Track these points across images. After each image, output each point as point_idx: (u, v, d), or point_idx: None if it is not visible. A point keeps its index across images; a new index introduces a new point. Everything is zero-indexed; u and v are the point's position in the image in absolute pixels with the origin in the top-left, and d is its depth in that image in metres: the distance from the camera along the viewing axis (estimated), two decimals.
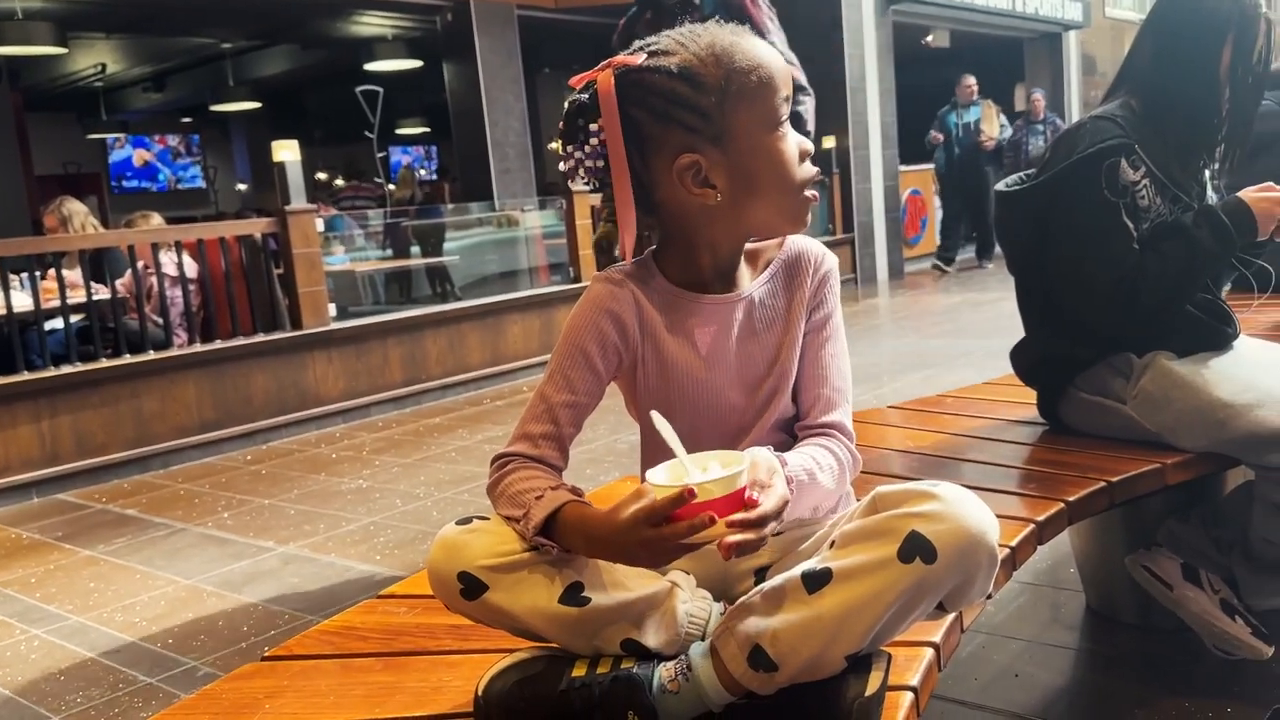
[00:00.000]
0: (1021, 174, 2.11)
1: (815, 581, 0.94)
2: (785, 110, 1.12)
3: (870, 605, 0.92)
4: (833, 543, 0.98)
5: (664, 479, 0.95)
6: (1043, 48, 13.94)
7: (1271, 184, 1.89)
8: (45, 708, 2.42)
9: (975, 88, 10.10)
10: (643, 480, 1.02)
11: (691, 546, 0.92)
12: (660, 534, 0.91)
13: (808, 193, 1.14)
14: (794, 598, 0.94)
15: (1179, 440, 1.84)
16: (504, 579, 1.02)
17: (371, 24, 10.51)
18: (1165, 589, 1.96)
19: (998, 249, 7.81)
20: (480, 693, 1.01)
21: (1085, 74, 14.56)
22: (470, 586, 1.03)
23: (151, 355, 4.91)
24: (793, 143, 1.12)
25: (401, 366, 5.93)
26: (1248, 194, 1.87)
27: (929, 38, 12.55)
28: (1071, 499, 1.61)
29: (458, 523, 1.07)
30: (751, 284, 1.19)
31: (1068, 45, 14.08)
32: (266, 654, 1.30)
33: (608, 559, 1.02)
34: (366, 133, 8.51)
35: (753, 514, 0.91)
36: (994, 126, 10.13)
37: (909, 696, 1.03)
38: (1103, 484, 1.68)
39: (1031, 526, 1.50)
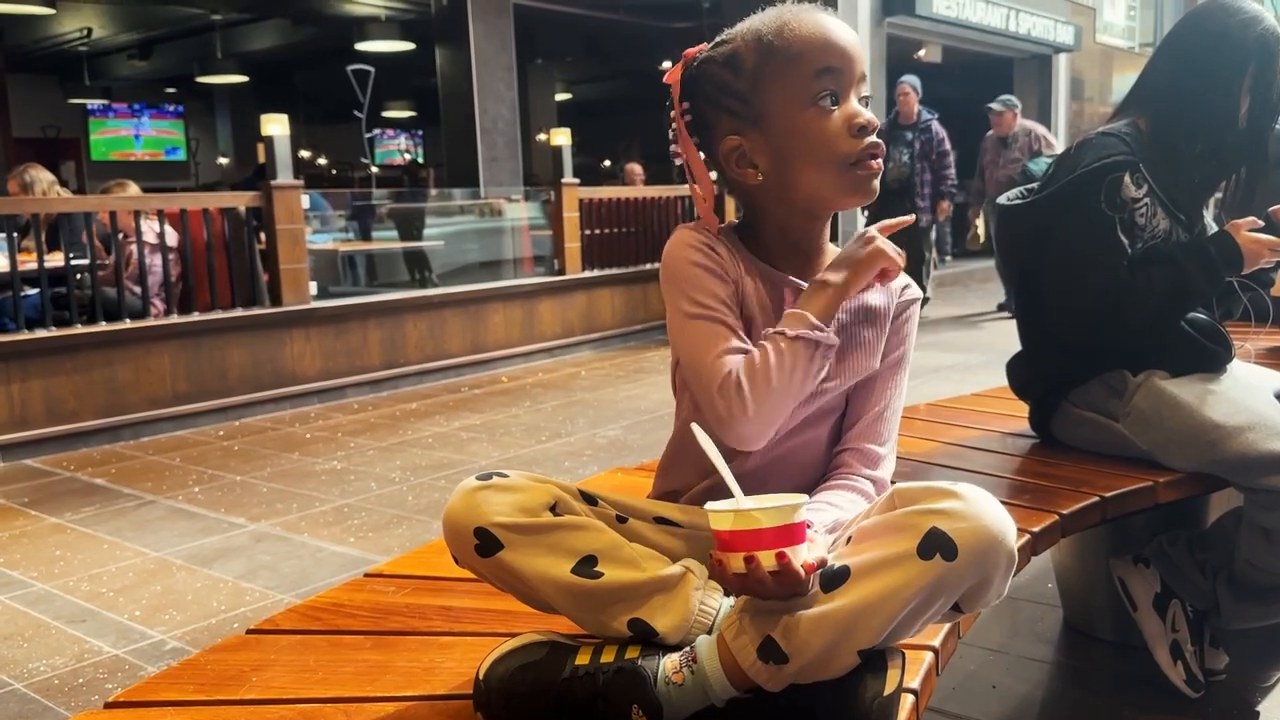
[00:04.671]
0: (1023, 189, 2.11)
1: (833, 580, 0.93)
2: (824, 85, 1.13)
3: (888, 601, 0.90)
4: (849, 539, 0.96)
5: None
6: (1032, 69, 14.06)
7: (1255, 219, 1.89)
8: (7, 674, 2.37)
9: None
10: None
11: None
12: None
13: (860, 167, 1.14)
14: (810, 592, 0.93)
15: (1170, 459, 1.84)
16: (521, 540, 1.01)
17: (365, 3, 10.44)
18: (1131, 607, 1.99)
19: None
20: (481, 676, 0.99)
21: (1073, 97, 14.70)
22: (486, 543, 1.01)
23: (127, 324, 4.84)
24: (838, 118, 1.13)
25: (380, 349, 5.88)
26: (1239, 231, 1.87)
27: (921, 52, 12.63)
28: (1065, 512, 1.61)
29: (478, 477, 1.05)
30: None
31: (1057, 67, 14.21)
32: (252, 627, 1.28)
33: None
34: (356, 113, 8.43)
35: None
36: None
37: (910, 699, 1.02)
38: (1096, 499, 1.68)
39: (1027, 537, 1.49)
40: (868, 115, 1.14)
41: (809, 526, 0.95)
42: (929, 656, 1.10)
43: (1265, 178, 1.95)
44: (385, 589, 1.38)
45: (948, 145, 7.57)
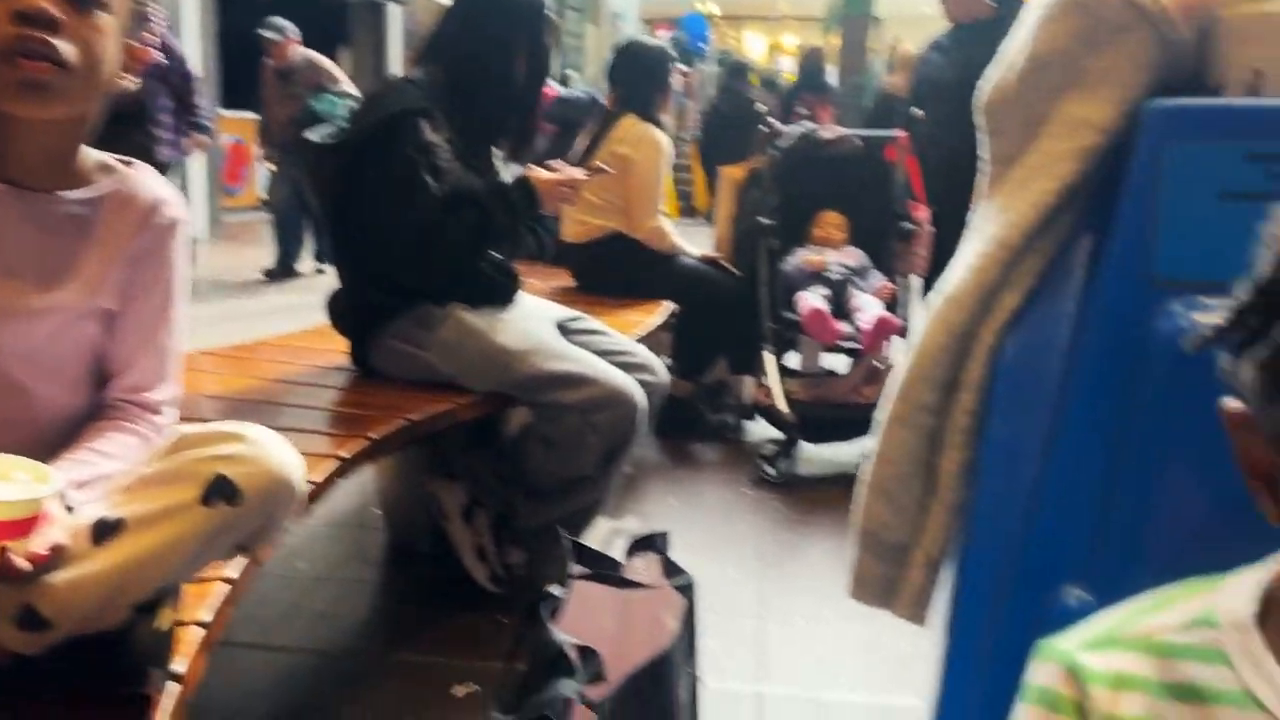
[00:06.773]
0: (337, 128, 2.16)
1: (105, 531, 0.87)
2: None
3: (166, 554, 0.87)
4: (127, 487, 0.91)
5: None
6: (366, 15, 14.31)
7: (556, 164, 2.19)
8: None
9: None
10: None
11: None
12: None
13: (11, 64, 0.92)
14: (78, 549, 0.86)
15: (471, 382, 2.04)
16: None
17: None
18: (443, 519, 2.19)
19: None
20: None
21: (407, 47, 15.27)
22: None
23: None
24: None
25: None
26: (536, 176, 2.13)
27: None
28: (375, 435, 1.70)
29: None
30: (66, 191, 1.03)
31: (390, 16, 14.64)
32: None
33: None
34: None
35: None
36: None
37: (200, 632, 1.00)
38: (404, 421, 1.80)
39: (337, 462, 1.55)
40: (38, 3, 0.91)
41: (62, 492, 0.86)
42: (224, 588, 1.09)
43: (535, 129, 2.24)
44: None
45: (189, 66, 5.42)
